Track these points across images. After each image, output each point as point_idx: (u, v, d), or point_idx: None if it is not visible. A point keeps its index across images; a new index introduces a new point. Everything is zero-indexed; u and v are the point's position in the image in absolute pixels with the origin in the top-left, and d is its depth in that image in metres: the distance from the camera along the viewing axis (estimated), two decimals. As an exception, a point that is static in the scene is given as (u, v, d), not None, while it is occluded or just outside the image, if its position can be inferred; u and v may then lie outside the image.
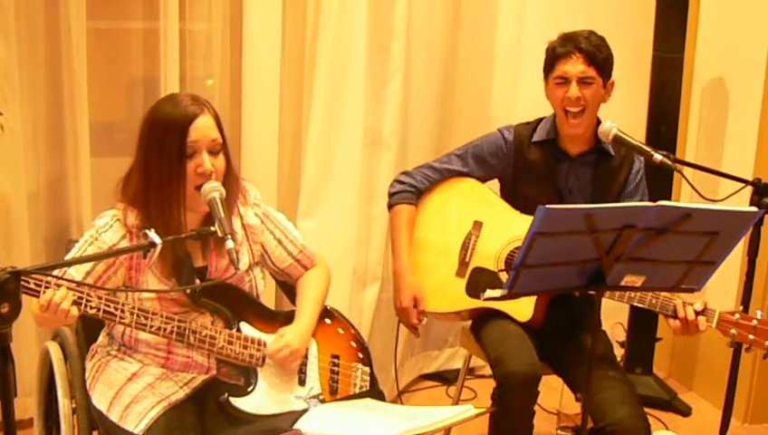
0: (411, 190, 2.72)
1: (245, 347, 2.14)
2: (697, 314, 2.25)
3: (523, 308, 2.52)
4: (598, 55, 2.48)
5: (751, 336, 2.20)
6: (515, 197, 2.67)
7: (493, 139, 2.68)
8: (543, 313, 2.55)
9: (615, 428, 2.32)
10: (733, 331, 2.22)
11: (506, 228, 2.61)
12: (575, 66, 2.48)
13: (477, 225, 2.65)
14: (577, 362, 2.50)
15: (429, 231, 2.69)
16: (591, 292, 2.06)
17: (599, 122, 2.56)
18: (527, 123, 2.69)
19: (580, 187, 2.61)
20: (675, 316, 2.28)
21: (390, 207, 2.75)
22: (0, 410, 1.54)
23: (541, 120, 2.67)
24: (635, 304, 2.31)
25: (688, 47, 3.56)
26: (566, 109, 2.51)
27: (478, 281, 2.60)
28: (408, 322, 2.62)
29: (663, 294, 2.30)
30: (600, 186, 2.61)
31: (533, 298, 2.51)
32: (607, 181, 2.61)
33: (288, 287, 2.44)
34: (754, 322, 2.21)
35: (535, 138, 2.63)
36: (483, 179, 2.72)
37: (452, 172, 2.71)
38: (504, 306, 2.54)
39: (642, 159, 2.57)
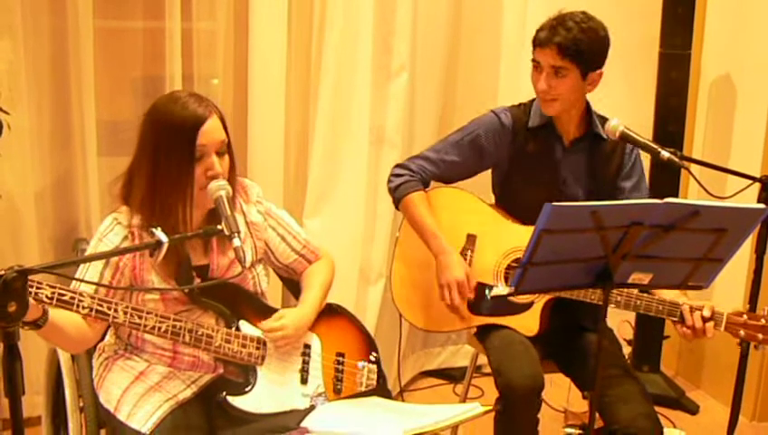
0: (414, 178, 2.60)
1: (244, 346, 2.12)
2: (705, 320, 2.23)
3: (529, 323, 2.48)
4: (575, 48, 2.37)
5: (760, 335, 2.22)
6: (510, 188, 2.61)
7: (489, 123, 2.58)
8: (547, 322, 2.51)
9: (626, 430, 2.30)
10: (741, 332, 2.23)
11: (501, 240, 2.55)
12: (547, 58, 2.40)
13: (471, 238, 2.58)
14: (584, 361, 2.49)
15: (422, 246, 2.57)
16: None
17: (589, 109, 2.54)
18: (519, 105, 2.61)
19: (576, 176, 2.56)
20: (682, 322, 2.26)
21: (399, 200, 2.61)
22: (8, 408, 1.55)
23: (533, 100, 2.59)
24: (641, 311, 2.30)
25: (695, 44, 3.55)
26: (538, 94, 2.48)
27: (479, 297, 2.54)
28: (462, 294, 2.47)
29: (668, 299, 2.28)
30: (595, 173, 2.56)
31: (538, 312, 2.48)
32: (602, 167, 2.56)
33: (293, 284, 2.44)
34: (762, 321, 2.22)
35: (531, 123, 2.56)
36: (478, 170, 2.64)
37: (447, 164, 2.60)
38: (510, 322, 2.51)
39: None
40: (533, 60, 2.46)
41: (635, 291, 2.29)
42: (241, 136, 3.17)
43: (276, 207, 2.35)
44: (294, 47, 3.23)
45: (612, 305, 2.28)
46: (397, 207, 2.67)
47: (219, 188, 1.97)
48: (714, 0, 3.69)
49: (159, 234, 1.77)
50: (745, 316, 2.23)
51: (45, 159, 3.06)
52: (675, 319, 2.28)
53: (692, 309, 2.25)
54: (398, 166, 2.67)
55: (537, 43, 2.44)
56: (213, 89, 3.24)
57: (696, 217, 1.90)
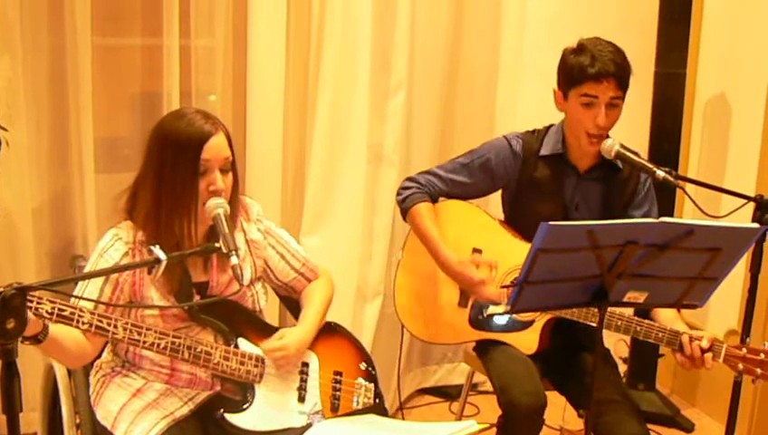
0: (421, 190, 2.61)
1: (242, 363, 2.13)
2: (704, 351, 2.22)
3: (529, 341, 2.49)
4: (626, 75, 2.39)
5: (758, 370, 2.20)
6: (519, 210, 2.62)
7: (500, 148, 2.57)
8: (547, 341, 2.52)
9: None
10: (740, 366, 2.22)
11: (505, 257, 2.55)
12: (607, 92, 2.36)
13: (476, 253, 2.59)
14: (580, 380, 2.49)
15: (427, 258, 2.59)
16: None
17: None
18: (533, 132, 2.60)
19: (588, 203, 2.55)
20: (681, 350, 2.25)
21: (406, 211, 2.62)
22: (6, 425, 1.55)
23: (549, 127, 2.58)
24: (641, 338, 2.28)
25: (690, 63, 3.57)
26: (588, 132, 2.42)
27: (481, 311, 2.55)
28: (488, 290, 2.46)
29: (668, 327, 2.27)
30: (609, 201, 2.55)
31: (538, 330, 2.48)
32: (616, 195, 2.55)
33: (291, 302, 2.44)
34: (762, 356, 2.20)
35: (543, 151, 2.54)
36: (487, 191, 2.66)
37: (456, 184, 2.61)
38: (509, 339, 2.52)
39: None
40: (585, 94, 2.39)
41: (635, 317, 2.30)
42: (239, 153, 3.16)
43: (276, 225, 2.36)
44: (292, 65, 3.24)
45: (612, 331, 2.29)
46: (404, 218, 2.67)
47: (217, 206, 1.98)
48: (709, 20, 3.71)
49: (158, 251, 1.77)
50: (745, 350, 2.22)
51: (43, 176, 3.06)
52: (674, 347, 2.27)
53: (691, 339, 2.23)
54: (407, 179, 2.68)
55: (590, 77, 2.36)
56: (211, 105, 3.25)
57: (690, 237, 1.91)
